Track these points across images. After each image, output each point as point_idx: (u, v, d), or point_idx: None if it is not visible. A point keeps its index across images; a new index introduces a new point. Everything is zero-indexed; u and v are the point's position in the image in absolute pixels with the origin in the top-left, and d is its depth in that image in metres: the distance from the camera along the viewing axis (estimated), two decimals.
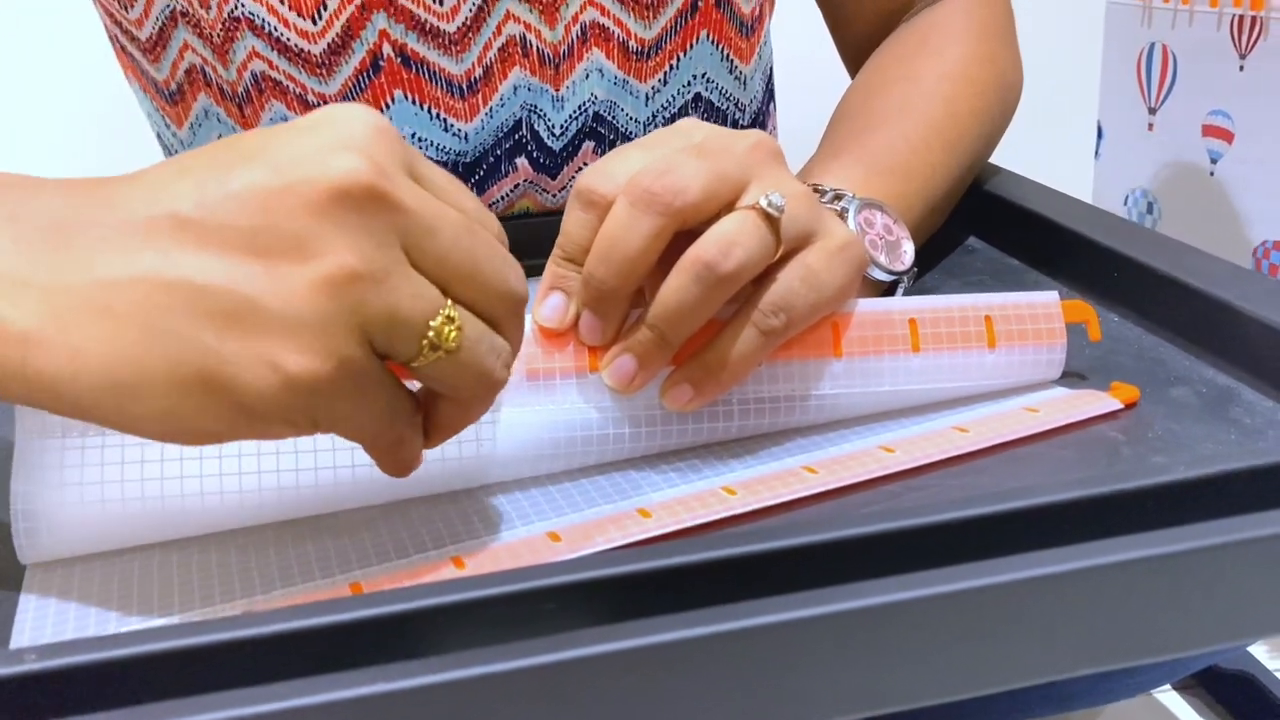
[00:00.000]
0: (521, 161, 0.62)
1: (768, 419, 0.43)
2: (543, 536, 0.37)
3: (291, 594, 0.35)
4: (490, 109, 0.60)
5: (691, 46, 0.62)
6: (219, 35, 0.57)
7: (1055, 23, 1.24)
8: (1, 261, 0.29)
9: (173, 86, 0.62)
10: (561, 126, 0.62)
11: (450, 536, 0.37)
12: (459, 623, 0.28)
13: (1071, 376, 0.46)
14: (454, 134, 0.60)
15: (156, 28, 0.59)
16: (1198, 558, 0.30)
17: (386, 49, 0.57)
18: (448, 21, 0.57)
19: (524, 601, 0.29)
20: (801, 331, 0.42)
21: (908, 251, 0.50)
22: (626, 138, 0.63)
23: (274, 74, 0.57)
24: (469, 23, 0.58)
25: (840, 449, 0.42)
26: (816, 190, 0.50)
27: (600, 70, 0.61)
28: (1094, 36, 1.21)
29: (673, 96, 0.63)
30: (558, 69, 0.60)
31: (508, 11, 0.58)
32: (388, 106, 0.58)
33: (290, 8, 0.55)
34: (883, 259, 0.48)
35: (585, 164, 0.63)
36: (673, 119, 0.64)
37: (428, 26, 0.57)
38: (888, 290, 0.50)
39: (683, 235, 0.40)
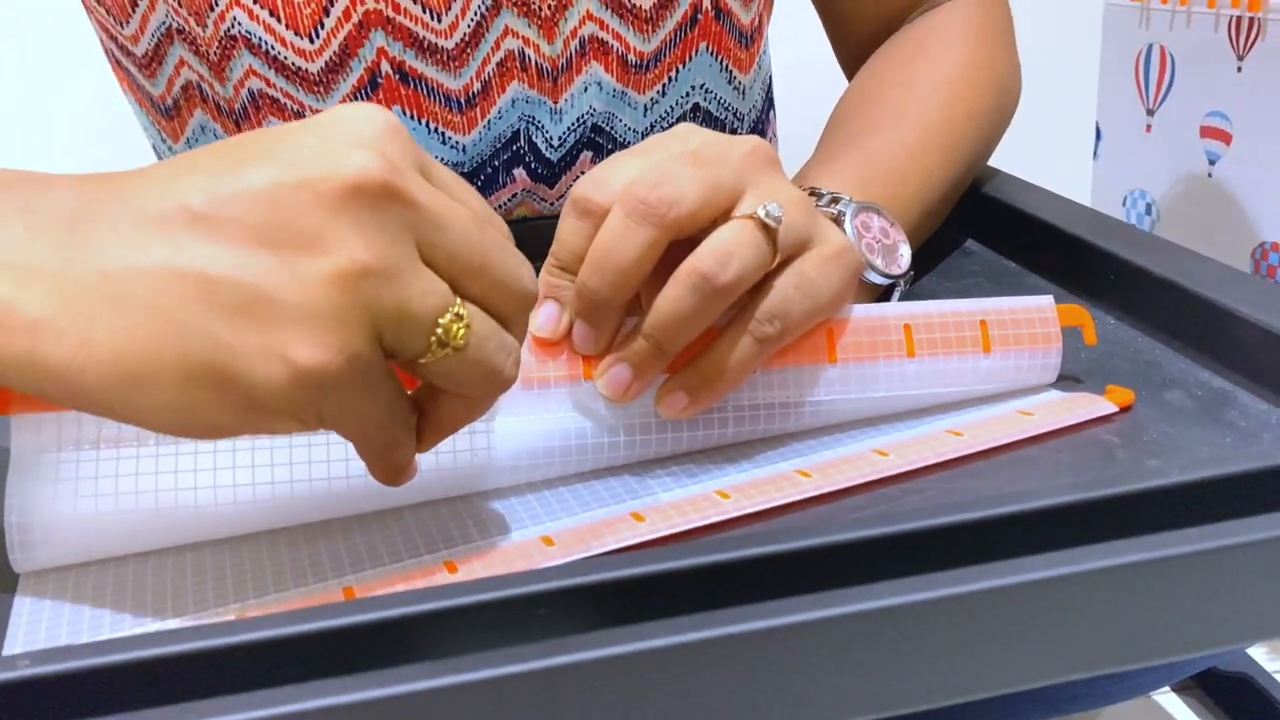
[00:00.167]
0: (519, 172, 0.62)
1: (762, 425, 0.43)
2: (536, 540, 0.37)
3: (285, 598, 0.35)
4: (488, 122, 0.60)
5: (691, 58, 0.62)
6: (215, 53, 0.56)
7: (1053, 24, 1.24)
8: (13, 251, 0.29)
9: (169, 102, 0.61)
10: (560, 138, 0.62)
11: (443, 539, 0.37)
12: (451, 628, 0.28)
13: (1067, 380, 0.46)
14: (451, 146, 0.60)
15: (152, 44, 0.59)
16: (1193, 561, 0.30)
17: (385, 66, 0.56)
18: (446, 38, 0.57)
19: (516, 607, 0.29)
20: (796, 338, 0.42)
21: (904, 255, 0.50)
22: (624, 147, 0.63)
23: (271, 91, 0.57)
24: (467, 39, 0.57)
25: (834, 453, 0.42)
26: (813, 194, 0.50)
27: (599, 83, 0.61)
28: (1092, 38, 1.21)
29: (671, 107, 0.63)
30: (556, 82, 0.60)
31: (506, 27, 0.58)
32: None
33: (288, 26, 0.55)
34: (879, 262, 0.48)
35: (583, 173, 0.63)
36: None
37: (426, 43, 0.57)
38: (884, 294, 0.50)
39: (679, 242, 0.40)
